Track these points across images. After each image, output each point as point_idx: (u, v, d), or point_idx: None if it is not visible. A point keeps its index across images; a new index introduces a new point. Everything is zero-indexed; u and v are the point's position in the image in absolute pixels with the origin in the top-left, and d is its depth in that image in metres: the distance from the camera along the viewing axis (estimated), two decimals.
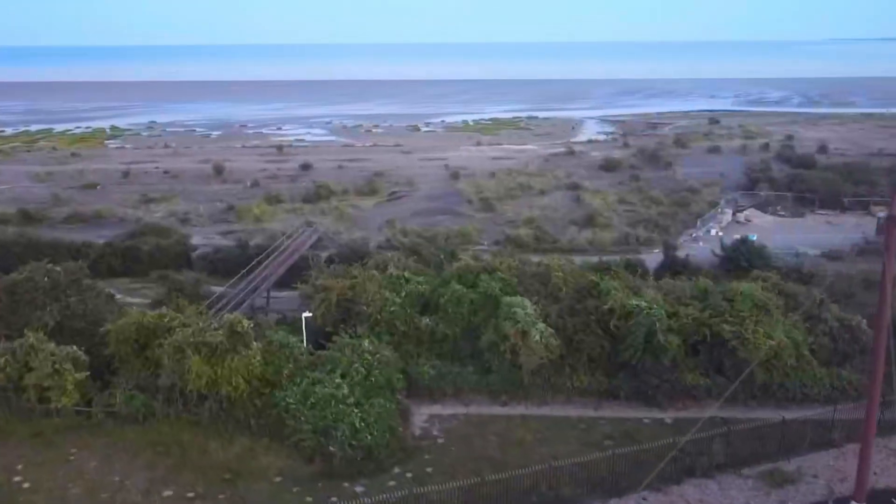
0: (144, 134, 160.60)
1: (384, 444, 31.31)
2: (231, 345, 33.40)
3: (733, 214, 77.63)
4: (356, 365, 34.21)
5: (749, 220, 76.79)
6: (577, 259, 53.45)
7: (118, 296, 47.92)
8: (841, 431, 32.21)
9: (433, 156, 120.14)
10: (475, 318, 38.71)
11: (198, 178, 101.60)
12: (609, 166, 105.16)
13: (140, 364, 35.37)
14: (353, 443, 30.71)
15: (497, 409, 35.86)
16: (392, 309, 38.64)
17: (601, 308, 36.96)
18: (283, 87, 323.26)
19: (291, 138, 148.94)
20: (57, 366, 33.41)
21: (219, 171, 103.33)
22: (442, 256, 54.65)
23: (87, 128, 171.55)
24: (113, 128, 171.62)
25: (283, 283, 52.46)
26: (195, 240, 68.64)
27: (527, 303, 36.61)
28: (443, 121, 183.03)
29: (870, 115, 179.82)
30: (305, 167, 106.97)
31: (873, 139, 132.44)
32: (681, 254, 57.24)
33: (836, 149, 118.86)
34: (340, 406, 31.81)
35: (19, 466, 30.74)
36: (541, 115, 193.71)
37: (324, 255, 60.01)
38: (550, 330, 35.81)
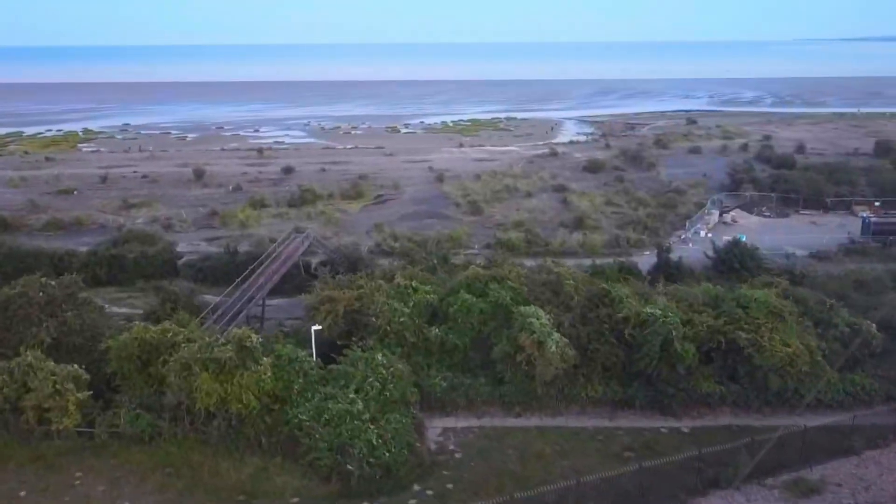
0: (119, 137, 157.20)
1: (402, 461, 30.53)
2: (240, 360, 32.38)
3: (720, 216, 77.93)
4: (371, 379, 33.36)
5: (735, 221, 77.13)
6: (570, 262, 53.08)
7: (104, 306, 46.17)
8: (860, 438, 32.12)
9: (416, 157, 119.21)
10: (485, 327, 38.09)
11: (178, 183, 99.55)
12: (593, 167, 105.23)
13: (143, 381, 34.22)
14: (371, 460, 29.92)
15: (511, 421, 35.24)
16: (401, 319, 37.78)
17: (615, 316, 36.55)
18: (257, 87, 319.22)
19: (270, 140, 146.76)
20: (58, 385, 32.12)
21: (199, 175, 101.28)
22: (435, 261, 54.09)
23: (58, 130, 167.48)
24: (86, 130, 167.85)
25: (275, 289, 51.28)
26: (181, 247, 66.96)
27: (541, 312, 36.02)
28: (422, 122, 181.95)
29: (842, 115, 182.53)
30: (288, 170, 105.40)
31: (848, 139, 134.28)
32: (673, 256, 57.13)
33: (813, 148, 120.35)
34: (356, 422, 30.99)
35: (22, 493, 29.51)
36: (519, 115, 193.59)
37: (314, 261, 59.00)
38: (565, 340, 35.28)
